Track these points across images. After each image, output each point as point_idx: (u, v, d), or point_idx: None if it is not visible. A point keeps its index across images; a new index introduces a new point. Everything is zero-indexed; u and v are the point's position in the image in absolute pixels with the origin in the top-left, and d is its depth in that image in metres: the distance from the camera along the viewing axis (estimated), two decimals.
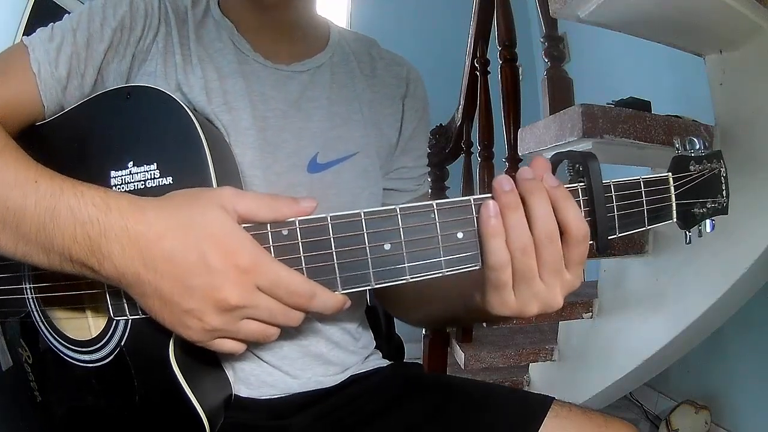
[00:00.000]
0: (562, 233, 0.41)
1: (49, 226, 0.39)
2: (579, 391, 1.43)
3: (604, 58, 2.38)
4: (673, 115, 1.11)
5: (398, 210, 0.41)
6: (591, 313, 1.44)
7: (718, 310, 1.14)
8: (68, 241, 0.39)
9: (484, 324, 1.39)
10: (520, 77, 1.56)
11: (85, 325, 0.49)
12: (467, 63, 1.83)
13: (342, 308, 0.42)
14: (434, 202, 0.41)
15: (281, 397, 0.60)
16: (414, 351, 1.27)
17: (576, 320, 1.46)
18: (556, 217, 0.41)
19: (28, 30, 1.96)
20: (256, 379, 0.60)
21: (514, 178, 0.41)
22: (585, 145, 1.03)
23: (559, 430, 0.57)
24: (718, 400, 1.72)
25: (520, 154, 1.32)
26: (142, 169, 0.46)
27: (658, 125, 1.04)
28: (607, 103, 1.14)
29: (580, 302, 1.44)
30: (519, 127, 1.32)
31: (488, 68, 1.74)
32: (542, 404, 0.60)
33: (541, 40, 1.39)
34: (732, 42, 1.08)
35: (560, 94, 1.32)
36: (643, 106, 1.19)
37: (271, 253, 0.40)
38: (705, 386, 1.79)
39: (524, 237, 0.41)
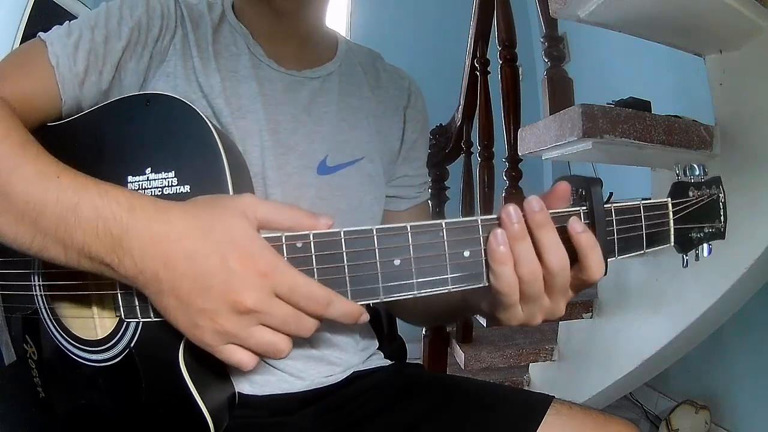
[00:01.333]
0: (577, 268, 0.43)
1: (70, 222, 0.39)
2: (579, 391, 1.43)
3: (604, 58, 2.38)
4: (673, 115, 1.11)
5: (409, 227, 0.42)
6: (591, 313, 1.44)
7: (717, 310, 1.14)
8: (89, 238, 0.39)
9: (485, 324, 1.39)
10: (520, 77, 1.56)
11: (91, 325, 0.49)
12: (467, 63, 1.83)
13: (359, 318, 0.42)
14: (443, 222, 0.42)
15: (283, 395, 0.61)
16: (414, 351, 1.27)
17: (576, 320, 1.46)
18: (578, 259, 0.42)
19: (29, 30, 1.96)
20: (261, 378, 0.60)
21: (521, 206, 0.42)
22: (585, 145, 1.03)
23: (559, 428, 0.58)
24: (718, 400, 1.72)
25: (520, 154, 1.32)
26: (160, 175, 0.46)
27: (658, 125, 1.04)
28: (607, 103, 1.13)
29: (580, 302, 1.44)
30: (519, 127, 1.32)
31: (488, 68, 1.73)
32: (542, 402, 0.60)
33: (541, 40, 1.38)
34: (732, 42, 1.08)
35: (560, 94, 1.31)
36: (643, 106, 1.18)
37: None
38: (705, 386, 1.79)
39: (533, 264, 0.42)
